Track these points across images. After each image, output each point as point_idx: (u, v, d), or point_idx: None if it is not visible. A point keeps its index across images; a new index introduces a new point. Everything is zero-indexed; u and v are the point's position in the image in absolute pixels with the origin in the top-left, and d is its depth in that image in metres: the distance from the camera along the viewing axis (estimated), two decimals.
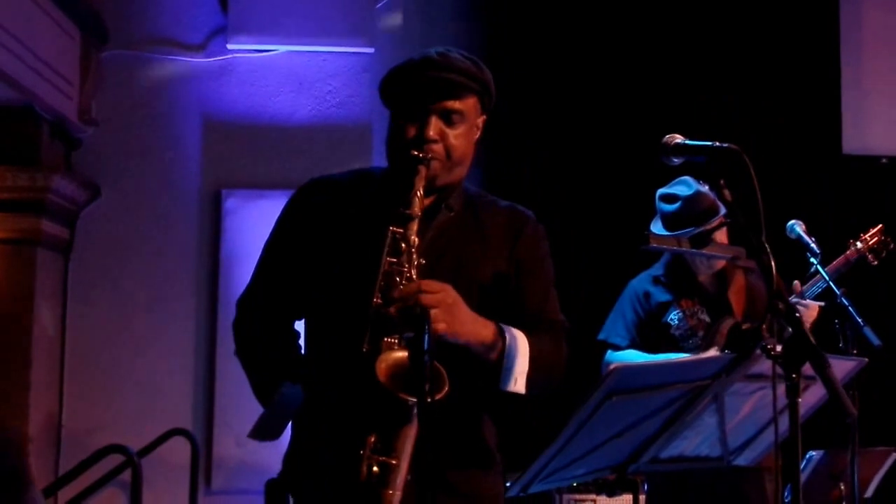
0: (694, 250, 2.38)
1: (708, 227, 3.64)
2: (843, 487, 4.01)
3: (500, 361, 2.17)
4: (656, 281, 3.87)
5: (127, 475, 5.07)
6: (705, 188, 3.69)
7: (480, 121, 2.32)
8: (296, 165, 5.43)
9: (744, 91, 5.58)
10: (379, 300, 2.08)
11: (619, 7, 5.62)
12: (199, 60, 5.62)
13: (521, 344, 2.20)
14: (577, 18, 5.52)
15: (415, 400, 1.89)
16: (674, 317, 3.79)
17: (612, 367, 2.04)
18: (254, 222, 5.26)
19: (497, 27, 5.57)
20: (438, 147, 2.21)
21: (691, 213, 3.67)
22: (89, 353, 5.48)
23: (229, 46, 5.58)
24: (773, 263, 2.02)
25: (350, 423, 2.08)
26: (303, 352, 2.38)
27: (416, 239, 2.10)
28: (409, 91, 2.23)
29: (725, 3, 5.68)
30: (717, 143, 2.19)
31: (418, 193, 2.13)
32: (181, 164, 5.60)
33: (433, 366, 1.91)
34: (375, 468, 2.00)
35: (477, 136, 2.32)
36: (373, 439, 2.02)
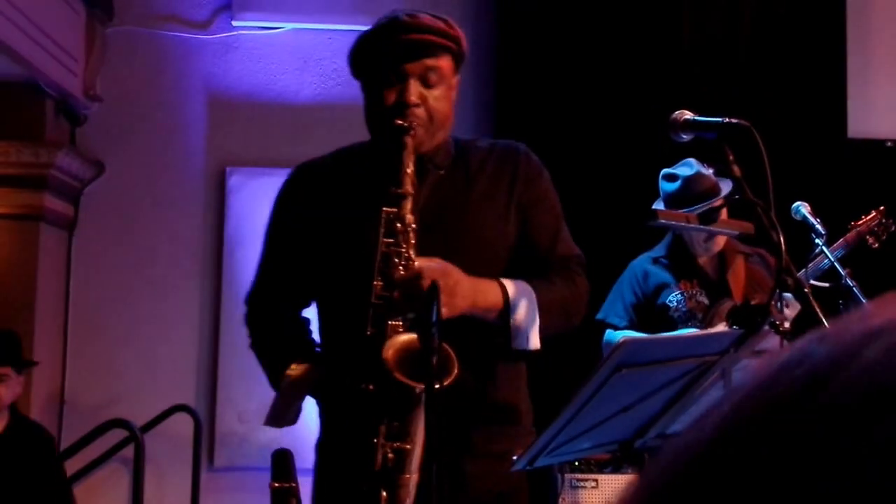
0: (702, 226, 2.37)
1: (710, 206, 3.64)
2: None
3: (508, 323, 2.15)
4: (656, 261, 3.88)
5: (129, 451, 5.09)
6: (708, 171, 3.70)
7: (455, 81, 2.26)
8: (300, 143, 5.40)
9: (749, 74, 5.56)
10: (379, 282, 2.04)
11: None
12: (204, 37, 5.61)
13: (527, 300, 2.16)
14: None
15: (423, 387, 1.85)
16: (672, 298, 3.79)
17: (621, 339, 2.03)
18: (258, 200, 5.24)
19: (505, 7, 5.55)
20: (420, 111, 2.15)
21: (690, 193, 3.68)
22: (92, 328, 5.49)
23: (234, 23, 5.57)
24: (782, 239, 2.02)
25: (361, 409, 2.06)
26: (315, 337, 2.38)
27: (412, 217, 2.05)
28: (382, 56, 2.17)
29: None
30: (727, 119, 2.19)
31: (408, 170, 2.07)
32: (185, 141, 5.59)
33: (441, 349, 1.86)
34: (391, 454, 1.98)
35: (454, 96, 2.26)
36: (384, 428, 1.99)
